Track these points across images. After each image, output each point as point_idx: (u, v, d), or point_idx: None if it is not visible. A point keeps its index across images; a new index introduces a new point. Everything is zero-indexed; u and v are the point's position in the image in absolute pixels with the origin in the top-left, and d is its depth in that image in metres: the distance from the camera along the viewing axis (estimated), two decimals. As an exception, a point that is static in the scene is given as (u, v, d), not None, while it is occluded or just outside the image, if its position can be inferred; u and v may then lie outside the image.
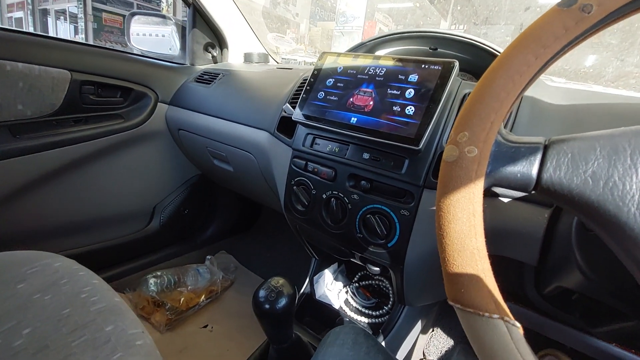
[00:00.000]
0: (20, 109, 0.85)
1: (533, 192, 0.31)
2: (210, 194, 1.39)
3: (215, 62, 1.29)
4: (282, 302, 0.53)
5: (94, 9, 8.96)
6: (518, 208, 0.50)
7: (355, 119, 0.61)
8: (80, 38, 8.87)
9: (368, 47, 0.89)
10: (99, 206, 1.07)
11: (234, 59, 1.32)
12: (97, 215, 1.07)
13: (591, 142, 0.28)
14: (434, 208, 0.34)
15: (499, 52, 0.74)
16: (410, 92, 0.58)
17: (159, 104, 1.12)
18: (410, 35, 0.84)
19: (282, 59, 1.48)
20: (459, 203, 0.31)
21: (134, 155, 1.10)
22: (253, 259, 1.43)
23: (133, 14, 1.32)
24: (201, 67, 1.24)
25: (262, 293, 0.54)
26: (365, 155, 0.62)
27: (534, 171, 0.29)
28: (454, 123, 0.58)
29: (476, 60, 0.81)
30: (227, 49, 1.29)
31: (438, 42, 0.83)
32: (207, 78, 1.11)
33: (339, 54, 0.71)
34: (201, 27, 1.20)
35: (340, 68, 0.68)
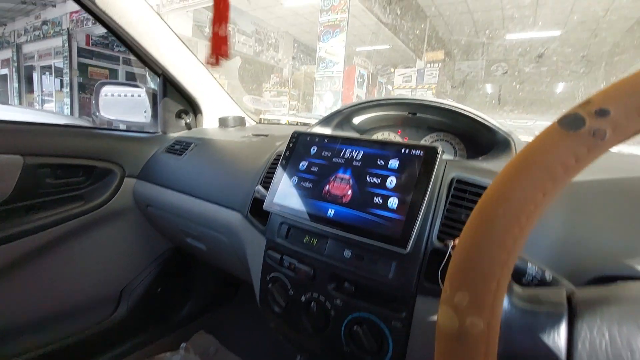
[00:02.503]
0: (-39, 202, 0.76)
1: None
2: (185, 267, 1.28)
3: (189, 129, 1.23)
4: None
5: (79, 63, 9.14)
6: None
7: (333, 211, 0.54)
8: (65, 92, 8.93)
9: (344, 114, 0.85)
10: (55, 301, 0.94)
11: (209, 123, 1.27)
12: (52, 311, 0.94)
13: (636, 315, 0.21)
14: (433, 319, 0.26)
15: (478, 117, 0.70)
16: (391, 182, 0.52)
17: (125, 178, 1.04)
18: (387, 102, 0.80)
19: (260, 118, 1.44)
20: None
21: (97, 238, 1.00)
22: (236, 336, 1.29)
23: (102, 84, 1.28)
24: (174, 135, 1.18)
25: None
26: (347, 253, 0.54)
27: (562, 354, 0.22)
28: (443, 213, 0.51)
29: (455, 123, 0.78)
30: (202, 114, 1.25)
31: (416, 107, 0.80)
32: (178, 148, 1.05)
33: (312, 134, 0.65)
34: (172, 95, 1.16)
35: (314, 149, 0.62)
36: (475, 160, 0.64)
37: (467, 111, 0.71)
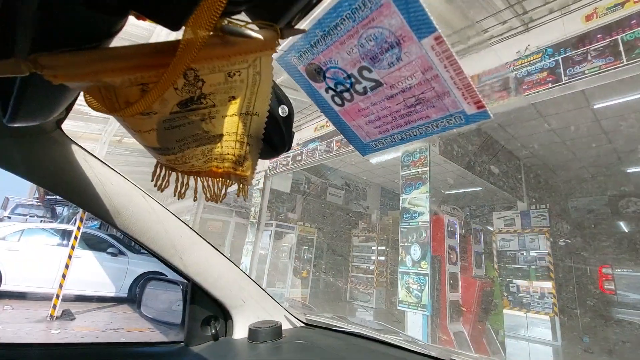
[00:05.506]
0: None
1: None
2: None
3: (216, 339, 1.02)
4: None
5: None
6: None
7: None
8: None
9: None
10: None
11: (240, 331, 1.05)
12: None
13: None
14: None
15: None
16: None
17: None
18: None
19: (307, 319, 1.18)
20: None
21: None
22: None
23: (149, 279, 1.26)
24: (195, 349, 0.98)
25: None
26: None
27: None
28: None
29: None
30: (232, 320, 1.05)
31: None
32: (185, 380, 0.82)
33: None
34: (201, 301, 1.02)
35: None
36: None
37: None
